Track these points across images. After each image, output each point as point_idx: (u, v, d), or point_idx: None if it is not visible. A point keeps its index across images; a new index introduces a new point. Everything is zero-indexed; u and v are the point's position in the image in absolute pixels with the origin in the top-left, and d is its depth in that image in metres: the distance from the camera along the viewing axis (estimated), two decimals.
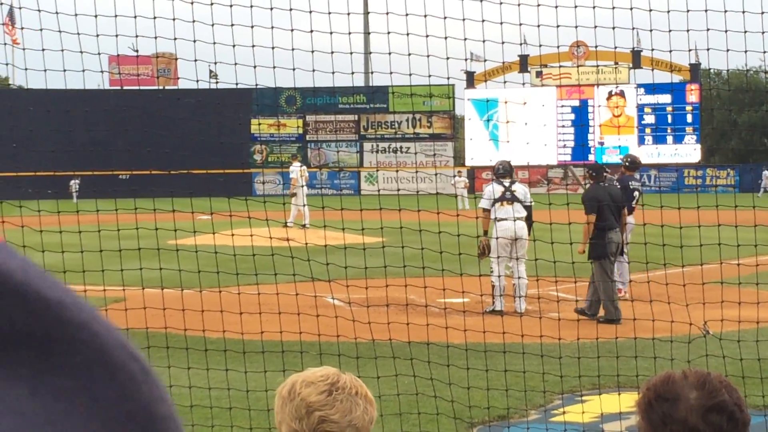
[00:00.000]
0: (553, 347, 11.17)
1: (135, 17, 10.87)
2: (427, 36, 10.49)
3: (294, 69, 11.00)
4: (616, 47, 10.95)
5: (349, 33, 10.90)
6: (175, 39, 10.88)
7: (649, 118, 72.98)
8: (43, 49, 10.81)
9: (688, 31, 10.79)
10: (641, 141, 73.37)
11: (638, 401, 3.31)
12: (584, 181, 18.16)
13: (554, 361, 10.59)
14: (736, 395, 3.23)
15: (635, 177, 18.91)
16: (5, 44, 12.39)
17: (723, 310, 10.24)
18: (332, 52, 11.06)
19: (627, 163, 19.36)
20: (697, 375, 3.25)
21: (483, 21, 10.84)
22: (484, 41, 11.05)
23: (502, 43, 11.07)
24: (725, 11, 10.53)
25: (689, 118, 72.54)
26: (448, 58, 10.96)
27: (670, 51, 11.11)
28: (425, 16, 10.47)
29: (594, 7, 10.74)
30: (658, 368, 9.08)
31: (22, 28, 11.42)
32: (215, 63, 11.39)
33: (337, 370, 3.32)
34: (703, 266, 11.04)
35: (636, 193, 18.36)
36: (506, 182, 16.96)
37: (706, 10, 10.60)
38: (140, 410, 0.69)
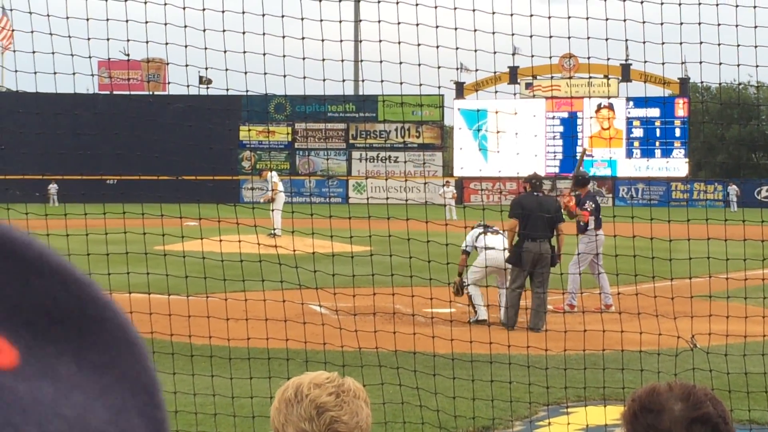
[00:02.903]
0: (540, 358, 11.16)
1: (126, 21, 10.85)
2: (418, 45, 10.48)
3: (285, 76, 10.99)
4: (608, 59, 10.96)
5: (341, 40, 10.90)
6: (166, 44, 10.86)
7: (638, 132, 73.25)
8: (33, 52, 10.78)
9: (681, 43, 10.79)
10: (629, 154, 73.61)
11: (623, 413, 3.31)
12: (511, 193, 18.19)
13: (540, 372, 10.58)
14: (721, 408, 3.23)
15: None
16: None
17: (711, 323, 10.24)
18: (323, 60, 11.05)
19: (576, 179, 19.60)
20: (682, 387, 3.26)
21: (475, 30, 10.83)
22: (476, 51, 11.04)
23: (494, 53, 11.07)
24: (719, 24, 10.55)
25: (677, 132, 72.83)
26: (439, 67, 10.96)
27: (663, 63, 11.11)
28: (417, 24, 10.46)
29: (587, 18, 10.73)
30: (645, 381, 9.08)
31: (12, 30, 11.40)
32: (206, 69, 11.36)
33: (338, 373, 3.34)
34: (691, 280, 11.05)
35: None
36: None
37: (699, 23, 10.60)
38: (151, 383, 0.73)
